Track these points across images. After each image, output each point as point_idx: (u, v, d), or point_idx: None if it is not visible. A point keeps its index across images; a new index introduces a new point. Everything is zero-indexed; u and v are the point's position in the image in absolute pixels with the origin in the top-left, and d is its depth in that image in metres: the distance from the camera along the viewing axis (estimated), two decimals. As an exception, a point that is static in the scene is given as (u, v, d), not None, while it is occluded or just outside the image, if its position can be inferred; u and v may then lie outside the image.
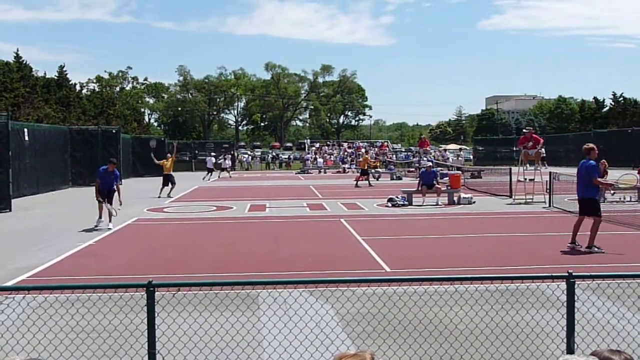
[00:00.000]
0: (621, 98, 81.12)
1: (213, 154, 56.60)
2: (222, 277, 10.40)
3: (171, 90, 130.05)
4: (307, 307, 6.97)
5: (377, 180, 40.89)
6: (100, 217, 17.69)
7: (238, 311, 7.47)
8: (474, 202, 23.60)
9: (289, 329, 6.26)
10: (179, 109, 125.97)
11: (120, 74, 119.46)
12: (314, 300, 8.08)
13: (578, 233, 13.09)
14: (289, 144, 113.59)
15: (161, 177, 29.88)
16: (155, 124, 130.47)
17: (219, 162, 52.31)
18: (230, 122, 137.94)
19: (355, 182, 35.96)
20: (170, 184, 28.93)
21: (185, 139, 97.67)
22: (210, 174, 45.92)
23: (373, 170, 42.23)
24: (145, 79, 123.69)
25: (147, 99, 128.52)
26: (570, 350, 5.70)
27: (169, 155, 30.58)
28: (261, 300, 8.41)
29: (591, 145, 13.52)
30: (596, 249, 12.60)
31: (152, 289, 4.95)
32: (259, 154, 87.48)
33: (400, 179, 43.32)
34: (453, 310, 6.48)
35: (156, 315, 4.82)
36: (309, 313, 6.66)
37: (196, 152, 70.01)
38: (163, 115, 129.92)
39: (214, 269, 11.16)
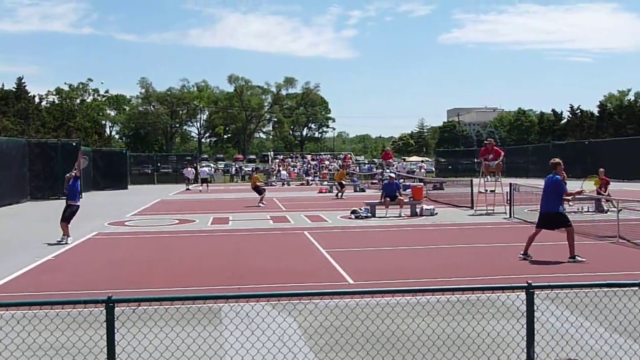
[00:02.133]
0: (578, 110, 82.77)
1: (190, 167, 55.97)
2: (184, 291, 10.31)
3: (133, 103, 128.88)
4: (269, 320, 6.94)
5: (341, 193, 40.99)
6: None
7: (200, 326, 7.40)
8: (437, 214, 23.79)
9: (252, 343, 6.22)
10: (141, 121, 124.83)
11: (80, 86, 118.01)
12: (276, 313, 8.05)
13: (532, 244, 13.29)
14: (252, 156, 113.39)
15: (122, 190, 29.50)
16: (117, 136, 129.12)
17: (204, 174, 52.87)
18: (193, 134, 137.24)
19: (336, 194, 36.65)
20: None
21: (147, 152, 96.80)
22: (189, 183, 49.13)
23: (337, 182, 42.34)
24: (107, 91, 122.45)
25: (109, 112, 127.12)
26: (530, 359, 5.77)
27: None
28: (223, 314, 8.35)
29: (557, 160, 13.71)
30: (579, 258, 12.77)
31: (111, 304, 4.87)
32: (222, 166, 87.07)
33: (364, 190, 43.49)
34: (415, 322, 6.51)
35: (116, 331, 4.75)
36: (271, 327, 6.63)
37: (158, 164, 69.41)
38: (125, 127, 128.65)
39: (176, 283, 11.05)
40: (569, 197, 13.88)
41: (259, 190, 31.10)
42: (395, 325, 6.50)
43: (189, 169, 53.81)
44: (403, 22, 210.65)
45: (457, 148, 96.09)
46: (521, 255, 13.26)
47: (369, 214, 23.47)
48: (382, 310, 6.34)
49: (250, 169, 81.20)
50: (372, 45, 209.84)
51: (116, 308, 4.72)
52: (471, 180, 27.35)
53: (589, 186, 16.33)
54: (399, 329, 6.46)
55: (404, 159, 76.26)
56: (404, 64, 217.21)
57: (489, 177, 25.33)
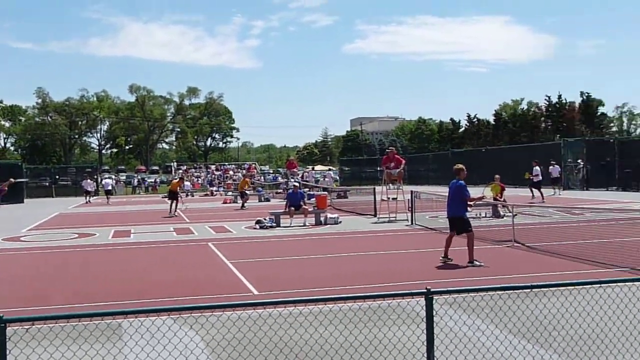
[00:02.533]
0: (475, 119, 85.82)
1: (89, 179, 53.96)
2: (82, 308, 9.94)
3: (29, 113, 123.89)
4: (171, 335, 6.78)
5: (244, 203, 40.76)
6: None
7: (98, 343, 7.15)
8: (340, 222, 24.01)
9: (152, 359, 6.06)
10: (38, 132, 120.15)
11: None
12: (178, 327, 7.87)
13: (450, 248, 13.69)
14: (155, 167, 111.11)
15: (18, 204, 28.22)
16: (12, 148, 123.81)
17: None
18: (93, 145, 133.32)
19: (241, 204, 36.14)
20: None
21: (45, 164, 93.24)
22: (89, 196, 48.43)
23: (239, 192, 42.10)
24: (0, 102, 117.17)
25: (3, 123, 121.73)
26: (429, 364, 5.88)
27: None
28: (123, 330, 8.10)
29: (461, 165, 14.13)
30: (477, 263, 13.17)
31: (2, 324, 4.64)
32: (124, 178, 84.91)
33: (269, 200, 43.39)
34: (318, 331, 6.52)
35: (8, 352, 4.51)
36: (173, 341, 6.48)
37: (57, 177, 66.91)
38: (20, 139, 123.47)
39: (73, 300, 10.65)
40: (471, 203, 14.37)
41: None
42: (299, 335, 6.49)
43: (89, 181, 52.16)
44: (306, 33, 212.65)
45: (361, 157, 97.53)
46: (442, 259, 13.63)
47: (274, 224, 23.42)
48: (285, 321, 6.32)
49: (153, 180, 79.52)
50: (275, 55, 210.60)
51: (8, 328, 4.49)
52: (374, 189, 27.77)
53: (489, 193, 16.99)
54: (302, 338, 6.46)
55: (313, 168, 76.66)
56: (308, 73, 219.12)
57: (391, 185, 25.78)
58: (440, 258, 13.69)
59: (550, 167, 38.63)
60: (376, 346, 6.49)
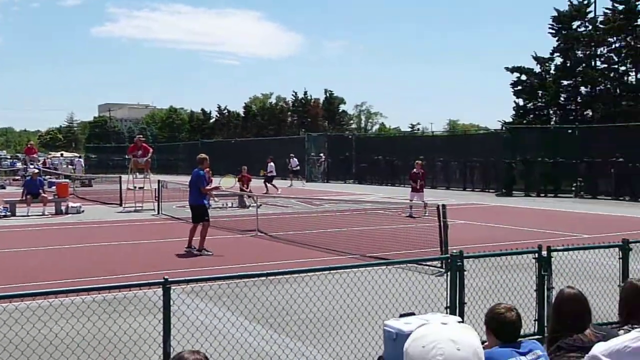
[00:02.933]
0: (226, 110, 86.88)
1: None
2: None
3: None
4: None
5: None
6: None
7: None
8: (83, 211, 23.00)
9: None
10: None
11: None
12: None
13: (194, 238, 13.72)
14: None
15: None
16: None
17: None
18: None
19: None
20: None
21: None
22: None
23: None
24: None
25: None
26: (166, 354, 5.86)
27: None
28: None
29: (204, 155, 14.38)
30: (206, 252, 13.40)
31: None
32: None
33: (4, 187, 40.12)
34: (47, 326, 6.19)
35: None
36: None
37: None
38: None
39: None
40: (206, 192, 14.64)
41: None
42: (25, 331, 6.11)
43: None
44: (52, 10, 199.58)
45: (109, 144, 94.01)
46: (186, 249, 13.67)
47: (9, 213, 21.76)
48: (22, 315, 5.91)
49: None
50: (17, 31, 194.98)
51: None
52: (120, 177, 26.96)
53: (226, 183, 17.41)
54: (29, 334, 6.08)
55: (62, 154, 72.23)
56: (53, 54, 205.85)
57: (138, 173, 25.20)
58: (185, 248, 13.72)
59: (290, 159, 40.41)
60: (110, 339, 6.34)
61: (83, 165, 55.09)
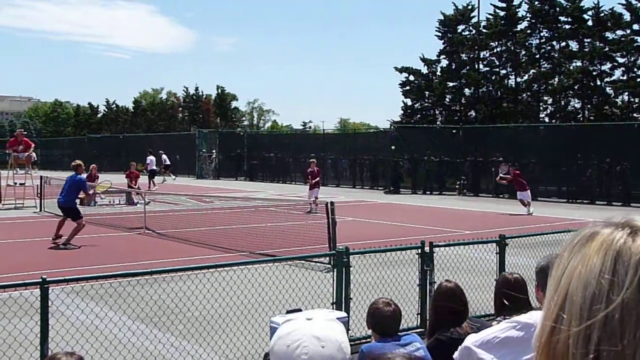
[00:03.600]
0: (114, 105, 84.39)
1: None
2: None
3: None
4: None
5: None
6: None
7: None
8: (-43, 209, 21.76)
9: None
10: None
11: None
12: None
13: (77, 236, 14.00)
14: None
15: None
16: None
17: None
18: None
19: None
20: None
21: None
22: None
23: None
24: None
25: None
26: (43, 356, 5.65)
27: None
28: None
29: (79, 162, 15.17)
30: (71, 246, 13.79)
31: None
32: None
33: None
34: None
35: None
36: None
37: None
38: None
39: None
40: (89, 197, 15.55)
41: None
42: None
43: None
44: None
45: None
46: (52, 239, 14.11)
47: None
48: None
49: None
50: None
51: None
52: (-1, 173, 25.67)
53: (101, 188, 17.39)
54: None
55: None
56: None
57: (18, 169, 24.09)
58: (51, 238, 14.04)
59: (161, 156, 39.69)
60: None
61: None
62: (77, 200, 15.78)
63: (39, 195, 21.99)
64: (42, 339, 5.64)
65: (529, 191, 23.14)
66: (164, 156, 40.06)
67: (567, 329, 0.86)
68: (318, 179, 23.06)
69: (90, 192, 17.01)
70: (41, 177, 22.53)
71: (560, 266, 0.92)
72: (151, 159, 34.66)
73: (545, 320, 0.90)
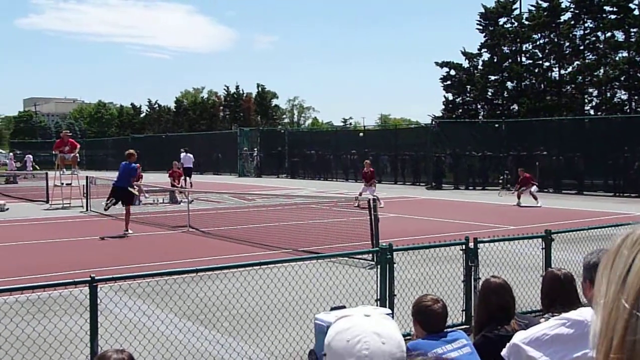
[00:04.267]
0: (156, 105, 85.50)
1: None
2: None
3: None
4: None
5: None
6: None
7: None
8: (8, 209, 22.27)
9: None
10: None
11: None
12: None
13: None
14: None
15: None
16: None
17: None
18: None
19: None
20: None
21: None
22: None
23: None
24: None
25: None
26: (93, 354, 5.75)
27: None
28: None
29: (132, 151, 16.68)
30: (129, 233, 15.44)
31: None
32: None
33: None
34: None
35: None
36: None
37: None
38: None
39: None
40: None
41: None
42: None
43: None
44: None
45: (35, 140, 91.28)
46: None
47: None
48: None
49: None
50: None
51: None
52: (46, 173, 26.24)
53: None
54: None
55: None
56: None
57: (65, 169, 24.58)
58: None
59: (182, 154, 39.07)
60: (35, 340, 6.17)
61: (32, 161, 52.06)
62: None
63: (85, 195, 22.40)
64: (92, 336, 5.75)
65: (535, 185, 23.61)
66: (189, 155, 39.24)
67: None
68: (373, 180, 23.51)
69: (136, 190, 17.79)
70: (87, 177, 22.94)
71: (621, 264, 0.89)
72: (189, 157, 34.55)
73: (611, 319, 0.88)
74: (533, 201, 22.47)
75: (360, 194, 22.05)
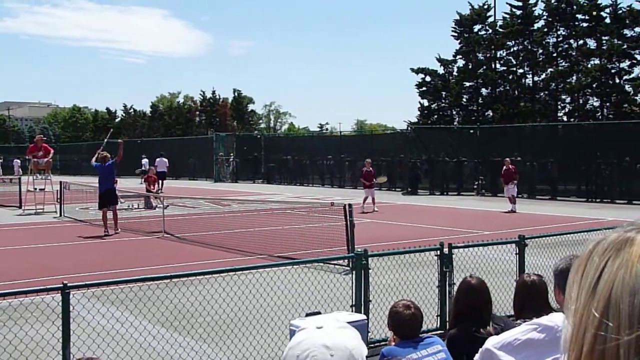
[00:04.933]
0: (132, 110, 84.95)
1: None
2: None
3: None
4: None
5: None
6: None
7: None
8: (-22, 215, 21.99)
9: None
10: None
11: None
12: None
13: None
14: None
15: None
16: None
17: None
18: None
19: None
20: None
21: None
22: None
23: None
24: None
25: None
26: (66, 360, 5.69)
27: None
28: None
29: (105, 153, 17.71)
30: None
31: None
32: None
33: None
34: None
35: None
36: None
37: None
38: None
39: None
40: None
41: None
42: None
43: None
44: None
45: (8, 144, 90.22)
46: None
47: None
48: None
49: None
50: None
51: None
52: (19, 178, 25.93)
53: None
54: None
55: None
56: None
57: (38, 175, 24.31)
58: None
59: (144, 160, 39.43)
60: (5, 347, 6.08)
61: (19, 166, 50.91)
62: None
63: (59, 200, 22.17)
64: (64, 343, 5.68)
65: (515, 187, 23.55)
66: (144, 160, 39.49)
67: (616, 337, 0.84)
68: (374, 181, 24.06)
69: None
70: (61, 182, 22.71)
71: (592, 271, 0.90)
72: (163, 161, 34.73)
73: (581, 326, 0.88)
74: (509, 204, 22.64)
75: (366, 200, 22.37)
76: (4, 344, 6.20)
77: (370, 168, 24.31)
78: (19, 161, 50.89)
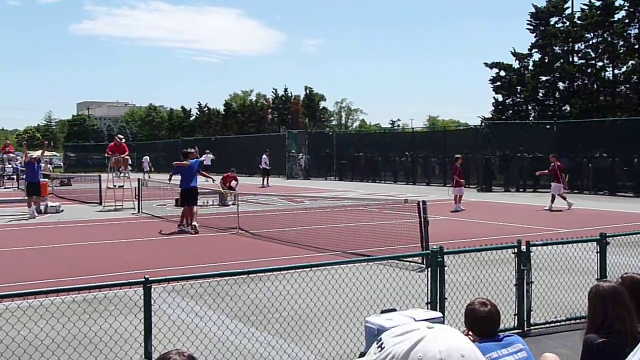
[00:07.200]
0: (206, 108, 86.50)
1: None
2: None
3: None
4: None
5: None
6: None
7: None
8: (62, 211, 22.79)
9: None
10: None
11: None
12: None
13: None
14: None
15: None
16: None
17: None
18: None
19: None
20: None
21: None
22: None
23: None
24: None
25: None
26: (147, 353, 5.85)
27: None
28: None
29: (190, 149, 18.69)
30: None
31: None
32: None
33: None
34: (27, 327, 6.14)
35: None
36: None
37: None
38: None
39: None
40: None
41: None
42: (4, 332, 6.06)
43: None
44: (30, 8, 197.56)
45: (88, 142, 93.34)
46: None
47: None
48: (1, 317, 5.87)
49: None
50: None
51: None
52: (99, 176, 26.78)
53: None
54: (9, 336, 6.04)
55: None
56: (31, 52, 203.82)
57: (117, 172, 25.06)
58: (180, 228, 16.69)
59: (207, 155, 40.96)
60: (91, 339, 6.30)
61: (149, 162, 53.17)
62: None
63: (136, 197, 22.78)
64: (146, 336, 5.84)
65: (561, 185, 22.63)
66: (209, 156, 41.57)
67: None
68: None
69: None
70: (139, 179, 23.33)
71: None
72: (264, 157, 37.33)
73: None
74: (561, 202, 21.89)
75: (456, 198, 22.13)
76: (89, 335, 6.42)
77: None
78: (147, 157, 53.36)
